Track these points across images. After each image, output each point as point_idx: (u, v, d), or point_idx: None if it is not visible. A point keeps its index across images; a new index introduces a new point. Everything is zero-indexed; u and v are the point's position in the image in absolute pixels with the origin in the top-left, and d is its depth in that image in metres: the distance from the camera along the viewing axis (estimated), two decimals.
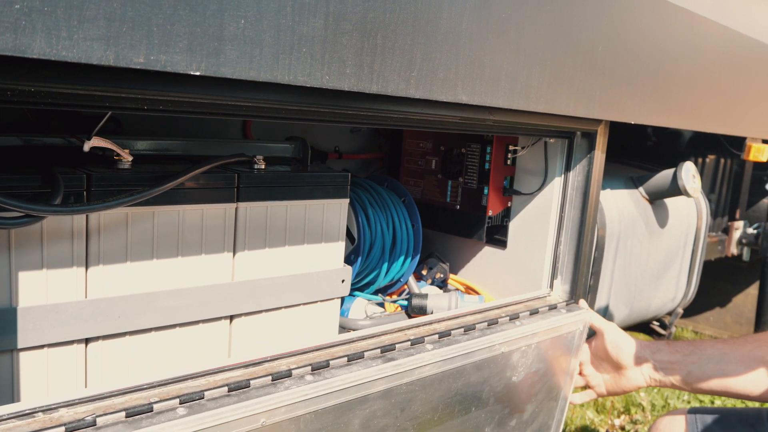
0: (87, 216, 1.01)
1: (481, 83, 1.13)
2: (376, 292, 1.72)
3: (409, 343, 1.22)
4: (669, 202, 2.22)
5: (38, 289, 0.99)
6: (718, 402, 3.13)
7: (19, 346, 0.97)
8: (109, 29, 0.69)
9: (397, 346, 1.19)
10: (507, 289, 1.75)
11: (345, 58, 0.91)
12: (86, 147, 1.00)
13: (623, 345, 1.51)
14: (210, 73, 0.78)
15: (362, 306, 1.59)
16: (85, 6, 0.67)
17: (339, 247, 1.37)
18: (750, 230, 3.03)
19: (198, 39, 0.76)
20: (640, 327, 2.79)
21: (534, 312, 1.50)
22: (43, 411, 0.85)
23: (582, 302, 1.61)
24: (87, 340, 1.05)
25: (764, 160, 2.53)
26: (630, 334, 1.55)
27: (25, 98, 0.75)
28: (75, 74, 0.74)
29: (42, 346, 1.00)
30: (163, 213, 1.09)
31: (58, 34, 0.66)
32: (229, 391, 0.96)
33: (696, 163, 2.83)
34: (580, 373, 1.61)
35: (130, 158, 1.09)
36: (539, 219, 1.67)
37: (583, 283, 1.65)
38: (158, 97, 0.83)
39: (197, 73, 0.77)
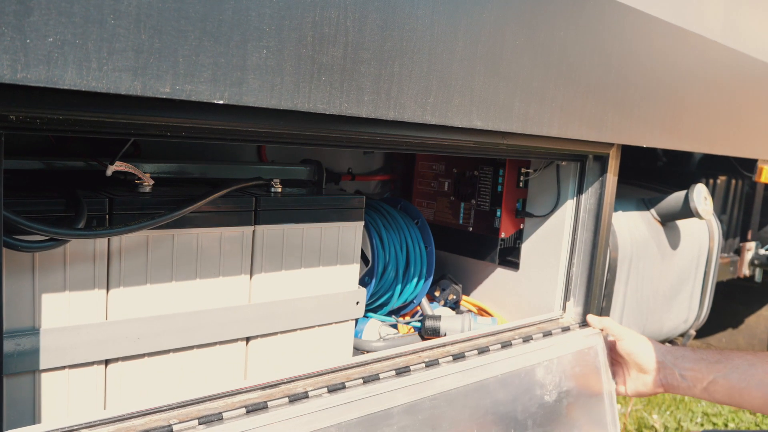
0: (109, 239, 1.03)
1: (496, 109, 1.14)
2: (389, 314, 1.73)
3: (423, 365, 1.22)
4: (681, 224, 2.22)
5: (60, 311, 1.00)
6: (732, 425, 3.10)
7: (41, 367, 0.99)
8: (137, 60, 0.72)
9: (411, 368, 1.20)
10: (519, 311, 1.75)
11: (363, 86, 0.93)
12: (109, 171, 1.03)
13: (642, 350, 1.44)
14: (233, 102, 0.80)
15: (376, 327, 1.59)
16: (115, 39, 0.69)
17: (354, 269, 1.38)
18: (762, 251, 3.02)
19: (222, 69, 0.78)
20: None
21: (547, 334, 1.50)
22: None
23: (590, 317, 1.59)
24: (107, 362, 1.06)
25: None
26: (649, 339, 1.49)
27: (54, 126, 0.77)
28: (102, 103, 0.76)
29: (63, 367, 1.02)
30: (182, 236, 1.11)
31: (89, 65, 0.68)
32: (247, 413, 0.97)
33: (707, 185, 2.84)
34: None
35: (152, 182, 1.11)
36: (552, 241, 1.68)
37: (596, 305, 1.65)
38: (182, 124, 0.85)
39: (221, 102, 0.79)
